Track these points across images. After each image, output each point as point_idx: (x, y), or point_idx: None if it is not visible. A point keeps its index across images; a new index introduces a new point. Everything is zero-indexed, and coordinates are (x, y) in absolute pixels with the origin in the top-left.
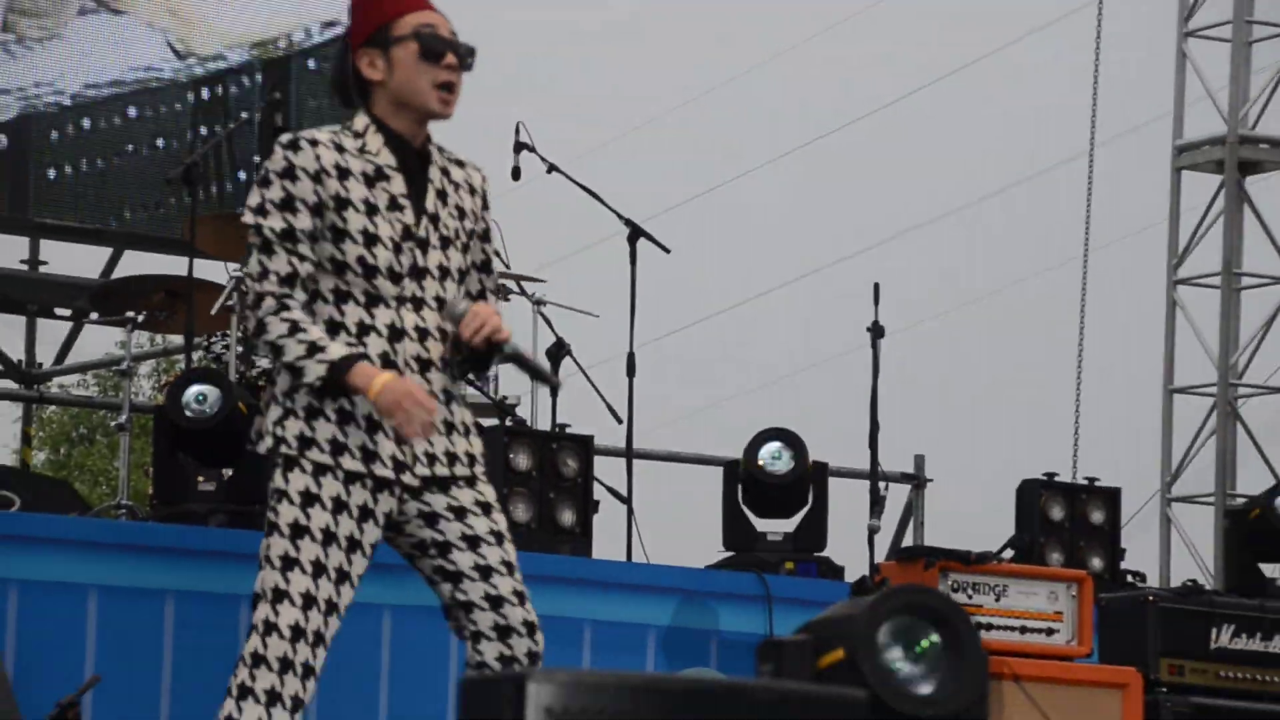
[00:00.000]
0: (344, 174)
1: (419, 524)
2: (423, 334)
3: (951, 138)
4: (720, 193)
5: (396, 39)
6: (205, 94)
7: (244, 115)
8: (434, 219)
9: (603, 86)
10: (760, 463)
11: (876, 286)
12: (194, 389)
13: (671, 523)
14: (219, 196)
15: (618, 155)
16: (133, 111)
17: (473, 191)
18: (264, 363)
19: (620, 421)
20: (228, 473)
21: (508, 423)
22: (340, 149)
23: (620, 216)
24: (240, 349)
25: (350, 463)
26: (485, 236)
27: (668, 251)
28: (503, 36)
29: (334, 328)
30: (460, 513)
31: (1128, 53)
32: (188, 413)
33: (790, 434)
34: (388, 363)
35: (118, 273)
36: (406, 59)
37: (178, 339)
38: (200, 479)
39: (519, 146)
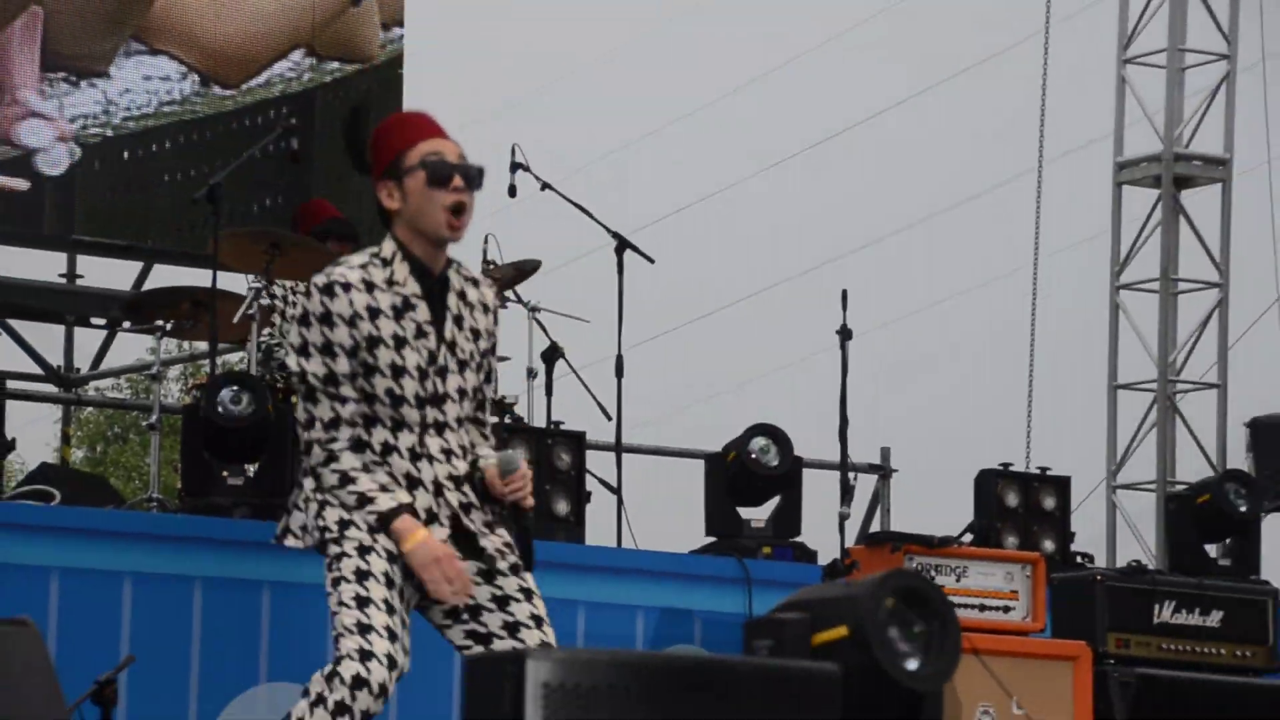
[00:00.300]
0: (375, 314)
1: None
2: (448, 454)
3: (914, 156)
4: (700, 207)
5: (407, 169)
6: (234, 125)
7: (264, 141)
8: (451, 346)
9: (593, 108)
10: (753, 455)
11: (845, 293)
12: (228, 390)
13: (658, 511)
14: (240, 215)
15: (606, 172)
16: (168, 143)
17: (486, 310)
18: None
19: (610, 418)
20: (252, 469)
21: (507, 420)
22: (370, 286)
23: (608, 230)
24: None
25: (386, 542)
26: (492, 350)
27: (652, 262)
28: (502, 64)
29: (359, 446)
30: (503, 601)
31: (1072, 78)
32: (220, 410)
33: (776, 429)
34: (412, 482)
35: (148, 285)
36: (416, 187)
37: (203, 345)
38: (226, 474)
39: (514, 166)
